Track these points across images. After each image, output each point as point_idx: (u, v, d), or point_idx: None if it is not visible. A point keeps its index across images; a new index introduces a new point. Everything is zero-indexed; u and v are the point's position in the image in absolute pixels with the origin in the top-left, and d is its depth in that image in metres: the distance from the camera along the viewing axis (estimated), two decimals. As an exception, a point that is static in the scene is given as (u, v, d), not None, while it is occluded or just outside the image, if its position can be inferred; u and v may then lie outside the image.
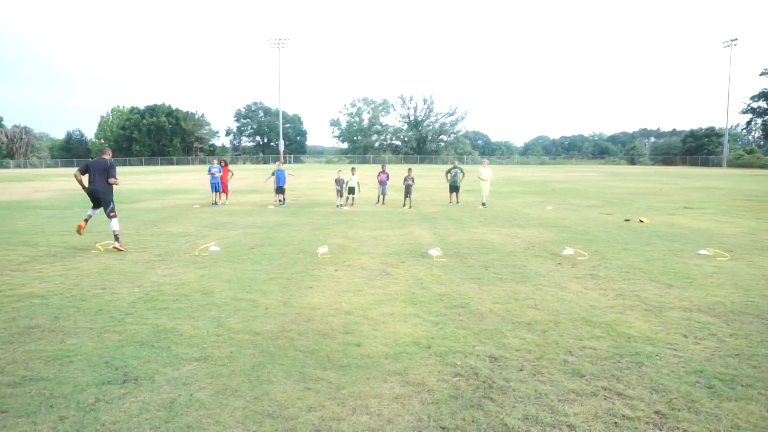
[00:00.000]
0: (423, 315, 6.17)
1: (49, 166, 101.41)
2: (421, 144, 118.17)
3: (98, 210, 11.01)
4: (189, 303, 6.66)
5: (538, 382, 4.34)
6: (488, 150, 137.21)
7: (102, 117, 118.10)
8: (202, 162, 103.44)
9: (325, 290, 7.30)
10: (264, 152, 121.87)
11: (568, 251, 10.09)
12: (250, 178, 42.60)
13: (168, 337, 5.43)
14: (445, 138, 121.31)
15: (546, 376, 4.47)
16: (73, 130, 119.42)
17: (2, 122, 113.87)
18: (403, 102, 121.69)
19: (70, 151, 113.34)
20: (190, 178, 44.40)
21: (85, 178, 10.61)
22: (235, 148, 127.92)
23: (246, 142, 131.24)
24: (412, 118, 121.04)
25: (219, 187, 20.83)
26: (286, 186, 20.71)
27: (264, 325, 5.80)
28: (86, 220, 11.07)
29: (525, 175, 50.75)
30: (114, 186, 10.80)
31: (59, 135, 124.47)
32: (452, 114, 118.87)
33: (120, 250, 10.33)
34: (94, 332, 5.57)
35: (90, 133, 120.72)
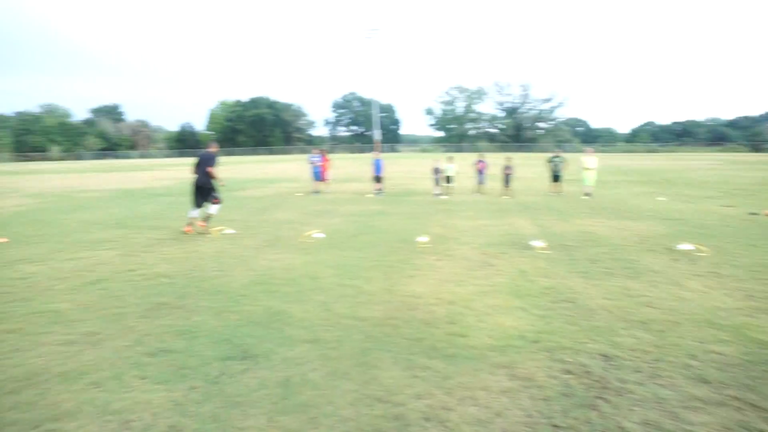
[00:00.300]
0: (528, 308, 6.05)
1: (165, 156, 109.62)
2: (517, 132, 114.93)
3: (199, 210, 11.46)
4: (297, 287, 6.98)
5: (658, 386, 4.12)
6: (589, 137, 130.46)
7: (210, 110, 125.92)
8: (302, 151, 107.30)
9: (427, 279, 7.36)
10: (360, 142, 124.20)
11: (686, 246, 9.41)
12: (347, 167, 43.65)
13: (280, 318, 5.73)
14: (543, 125, 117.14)
15: (666, 379, 4.22)
16: (185, 123, 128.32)
17: (124, 117, 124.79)
18: (499, 89, 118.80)
19: (183, 142, 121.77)
20: (291, 167, 46.24)
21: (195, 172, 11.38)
22: (332, 138, 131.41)
23: (343, 131, 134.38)
24: (508, 105, 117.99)
25: (320, 176, 21.54)
26: (383, 174, 20.99)
27: (369, 311, 5.96)
28: (190, 224, 11.51)
29: (631, 164, 47.82)
30: (214, 177, 11.30)
31: (173, 128, 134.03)
32: (550, 100, 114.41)
33: (205, 231, 11.21)
34: (215, 311, 6.00)
35: (200, 126, 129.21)
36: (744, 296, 6.46)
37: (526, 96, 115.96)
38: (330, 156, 23.89)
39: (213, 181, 11.42)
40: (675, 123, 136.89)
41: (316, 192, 21.28)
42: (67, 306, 6.24)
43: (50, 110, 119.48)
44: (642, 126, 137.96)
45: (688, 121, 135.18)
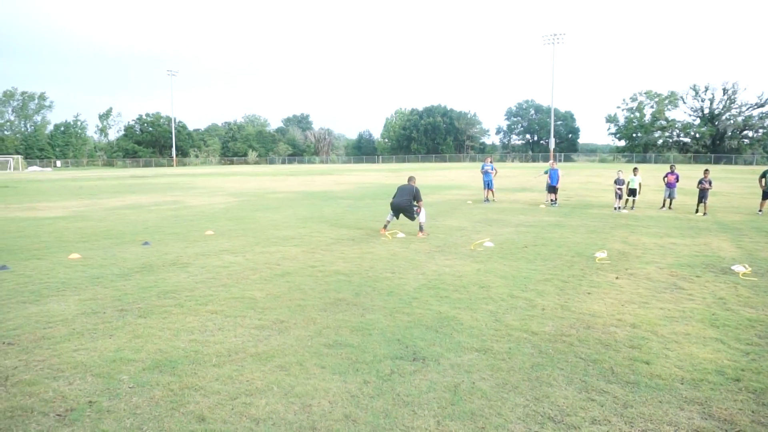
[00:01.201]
0: (728, 341, 5.32)
1: (344, 162, 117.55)
2: (717, 141, 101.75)
3: (394, 217, 12.51)
4: (467, 294, 6.98)
5: None
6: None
7: (387, 119, 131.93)
8: (473, 160, 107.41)
9: (605, 298, 6.87)
10: (533, 150, 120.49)
11: None
12: (519, 176, 42.62)
13: (450, 324, 5.78)
14: (750, 133, 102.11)
15: None
16: (363, 131, 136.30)
17: (311, 125, 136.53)
18: (696, 93, 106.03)
19: (361, 149, 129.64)
20: (462, 175, 46.50)
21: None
22: (504, 146, 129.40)
23: (515, 140, 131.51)
24: (706, 111, 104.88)
25: (491, 184, 21.34)
26: (559, 185, 20.11)
27: (541, 325, 5.74)
28: (385, 226, 12.51)
29: None
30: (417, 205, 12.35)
31: (352, 135, 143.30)
32: (762, 105, 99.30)
33: (423, 237, 11.88)
34: (387, 311, 6.26)
35: (377, 133, 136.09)
36: None
37: (730, 100, 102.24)
38: (499, 164, 23.54)
39: (413, 208, 12.32)
40: None
41: (487, 200, 21.12)
42: (260, 294, 7.00)
43: (251, 120, 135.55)
44: None
45: None
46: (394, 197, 12.54)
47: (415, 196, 12.38)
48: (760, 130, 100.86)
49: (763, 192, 17.57)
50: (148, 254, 9.82)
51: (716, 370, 4.61)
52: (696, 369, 4.62)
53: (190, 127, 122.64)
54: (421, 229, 12.24)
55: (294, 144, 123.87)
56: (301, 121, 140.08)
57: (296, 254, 9.76)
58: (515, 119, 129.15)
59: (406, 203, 12.32)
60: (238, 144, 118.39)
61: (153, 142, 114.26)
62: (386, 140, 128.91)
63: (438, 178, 42.74)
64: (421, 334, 5.46)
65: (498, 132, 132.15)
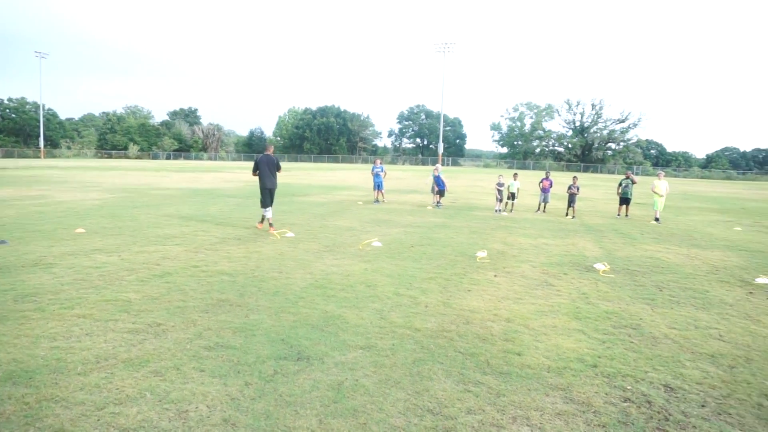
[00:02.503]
0: (588, 331, 5.85)
1: (234, 160, 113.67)
2: (586, 152, 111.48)
3: (271, 209, 12.53)
4: (354, 293, 7.05)
5: (725, 423, 3.88)
6: (662, 161, 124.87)
7: (279, 117, 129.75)
8: (365, 161, 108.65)
9: (484, 295, 7.26)
10: (423, 154, 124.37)
11: (763, 280, 8.84)
12: (409, 179, 43.78)
13: (335, 323, 5.80)
14: (613, 146, 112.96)
15: (735, 417, 3.97)
16: (255, 128, 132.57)
17: (200, 120, 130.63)
18: (569, 107, 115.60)
19: (252, 146, 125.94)
20: (353, 176, 46.83)
21: (258, 175, 12.32)
22: (395, 149, 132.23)
23: (406, 143, 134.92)
24: (577, 123, 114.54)
25: (381, 186, 21.71)
26: (446, 188, 20.94)
27: (424, 322, 5.94)
28: (267, 222, 12.49)
29: (707, 191, 45.42)
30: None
31: (243, 132, 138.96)
32: (623, 120, 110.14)
33: (274, 232, 12.03)
34: (273, 311, 6.15)
35: (269, 131, 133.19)
36: (828, 337, 5.99)
37: (597, 115, 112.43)
38: (388, 167, 24.03)
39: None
40: (757, 150, 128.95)
41: (377, 201, 21.46)
42: (136, 296, 6.57)
43: (133, 111, 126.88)
44: (720, 151, 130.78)
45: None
46: (262, 177, 12.28)
47: (277, 166, 12.68)
48: (621, 143, 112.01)
49: (620, 198, 19.61)
50: (4, 254, 8.84)
51: (577, 358, 5.04)
52: (560, 358, 5.02)
53: (62, 116, 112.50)
54: (261, 220, 12.73)
55: (180, 139, 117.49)
56: (189, 116, 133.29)
57: (178, 254, 9.29)
58: (407, 123, 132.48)
59: (275, 186, 12.70)
60: (118, 137, 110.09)
61: (16, 131, 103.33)
62: (279, 138, 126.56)
63: (330, 178, 42.74)
64: (306, 334, 5.42)
65: (390, 135, 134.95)
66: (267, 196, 12.31)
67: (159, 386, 4.14)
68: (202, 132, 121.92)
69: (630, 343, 5.54)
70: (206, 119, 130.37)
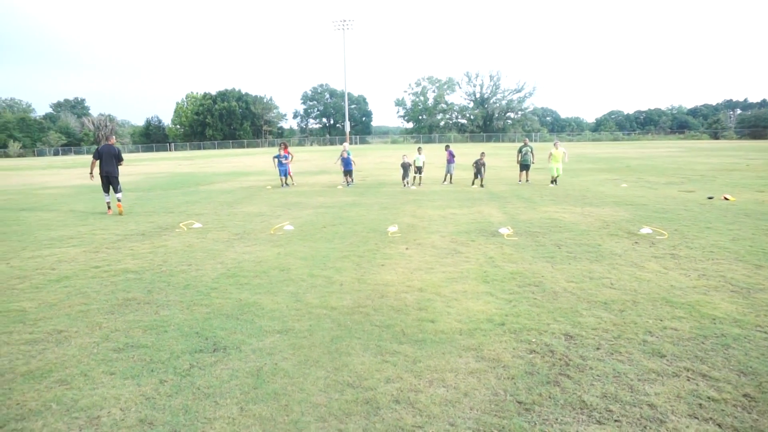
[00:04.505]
0: (496, 293, 6.19)
1: (131, 152, 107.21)
2: (487, 122, 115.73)
3: (110, 193, 13.90)
4: (268, 279, 6.99)
5: (617, 361, 4.29)
6: (557, 127, 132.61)
7: (177, 103, 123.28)
8: (271, 144, 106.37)
9: (397, 268, 7.45)
10: (330, 134, 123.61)
11: (646, 230, 9.73)
12: (317, 160, 43.45)
13: (251, 310, 5.74)
14: (512, 115, 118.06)
15: (625, 355, 4.40)
16: (152, 117, 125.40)
17: (89, 111, 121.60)
18: (469, 79, 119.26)
19: (150, 136, 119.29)
20: (260, 161, 45.77)
21: (97, 164, 13.62)
22: (302, 131, 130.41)
23: (313, 124, 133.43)
24: (478, 95, 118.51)
25: (287, 173, 21.21)
26: (353, 168, 21.02)
27: (340, 300, 6.01)
28: (109, 206, 13.89)
29: (597, 152, 48.81)
30: (120, 166, 14.02)
31: (139, 122, 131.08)
32: (520, 90, 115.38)
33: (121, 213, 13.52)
34: (184, 305, 5.97)
35: (167, 119, 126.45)
36: (698, 275, 6.74)
37: (495, 86, 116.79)
38: (296, 149, 23.74)
39: (118, 173, 13.96)
40: (638, 112, 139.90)
41: (285, 185, 21.13)
42: (31, 305, 6.13)
43: (10, 105, 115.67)
44: (607, 115, 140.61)
45: (651, 110, 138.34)
46: (102, 166, 13.49)
47: (119, 156, 13.73)
48: (519, 112, 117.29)
49: (520, 165, 20.67)
50: None
51: (487, 318, 5.33)
52: (471, 320, 5.29)
53: None
54: (119, 200, 13.69)
55: (69, 132, 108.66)
56: (76, 107, 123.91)
57: (75, 255, 8.72)
58: (311, 103, 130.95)
59: (116, 173, 13.68)
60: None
61: None
62: (178, 126, 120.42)
63: (236, 164, 41.50)
64: (221, 324, 5.33)
65: (295, 116, 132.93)
66: (105, 183, 13.73)
67: (65, 395, 3.93)
68: (93, 124, 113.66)
69: (534, 299, 5.93)
70: (96, 110, 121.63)
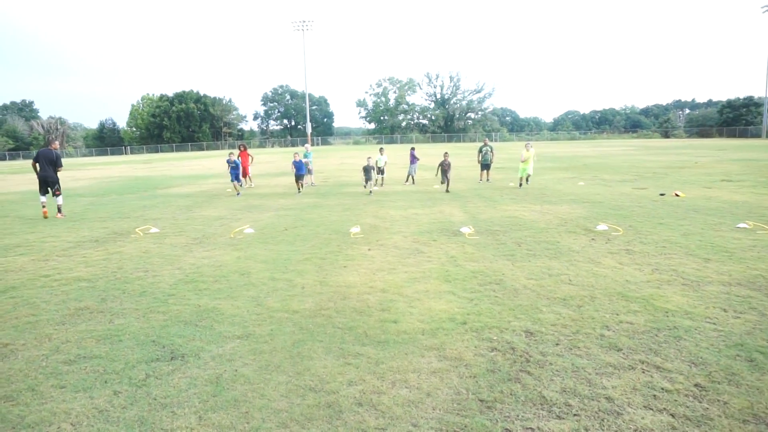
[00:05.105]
0: (457, 292, 6.22)
1: (84, 155, 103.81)
2: (448, 122, 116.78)
3: (47, 195, 13.86)
4: (228, 284, 6.85)
5: (575, 356, 4.36)
6: (517, 126, 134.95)
7: (132, 105, 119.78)
8: (231, 147, 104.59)
9: (359, 269, 7.41)
10: (291, 135, 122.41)
11: (602, 227, 9.98)
12: (278, 162, 42.96)
13: (210, 316, 5.61)
14: (472, 116, 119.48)
15: (583, 350, 4.48)
16: (106, 120, 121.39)
17: (38, 114, 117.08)
18: (429, 80, 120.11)
19: (104, 140, 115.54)
20: (220, 163, 44.95)
21: (38, 166, 13.64)
22: (263, 132, 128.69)
23: (274, 125, 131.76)
24: (438, 96, 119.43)
25: (239, 177, 20.25)
26: (307, 172, 20.47)
27: (302, 303, 5.94)
28: (44, 205, 13.79)
29: (555, 151, 49.89)
30: (59, 172, 14.03)
31: (93, 125, 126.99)
32: (479, 91, 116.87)
33: (62, 217, 13.50)
34: (140, 313, 5.79)
35: (122, 122, 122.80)
36: (652, 270, 6.95)
37: (456, 87, 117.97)
38: (256, 150, 23.40)
39: (57, 177, 13.95)
40: (594, 111, 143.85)
41: (239, 194, 20.49)
42: (-25, 317, 5.83)
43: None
44: (564, 115, 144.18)
45: (606, 110, 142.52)
46: (39, 169, 13.56)
47: (56, 162, 13.65)
48: (479, 112, 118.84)
49: (481, 165, 20.94)
50: None
51: (449, 317, 5.36)
52: (433, 320, 5.30)
53: None
54: (59, 210, 13.73)
55: (16, 136, 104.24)
56: (23, 109, 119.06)
57: (23, 264, 8.35)
58: (272, 105, 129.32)
59: (53, 177, 13.63)
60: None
61: None
62: (134, 129, 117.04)
63: (194, 167, 40.64)
64: (179, 331, 5.18)
65: (256, 118, 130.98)
66: (43, 186, 13.72)
67: (11, 412, 3.75)
68: (42, 127, 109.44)
69: (495, 297, 5.99)
70: (46, 113, 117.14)
